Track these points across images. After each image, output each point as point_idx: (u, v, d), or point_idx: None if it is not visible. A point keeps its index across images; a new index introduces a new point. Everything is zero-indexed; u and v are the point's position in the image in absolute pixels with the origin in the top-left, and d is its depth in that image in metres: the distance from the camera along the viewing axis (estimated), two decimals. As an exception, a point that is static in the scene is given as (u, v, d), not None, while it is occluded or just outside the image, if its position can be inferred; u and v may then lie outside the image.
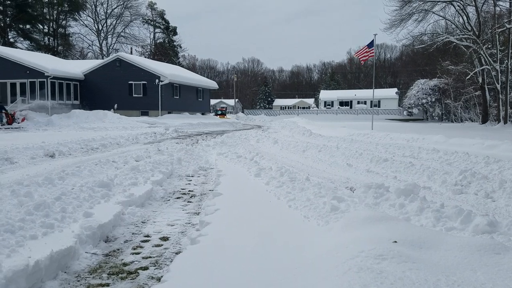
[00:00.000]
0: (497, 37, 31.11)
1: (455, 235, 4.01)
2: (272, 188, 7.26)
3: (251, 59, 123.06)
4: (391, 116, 56.04)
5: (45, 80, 34.06)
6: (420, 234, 3.69)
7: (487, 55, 30.56)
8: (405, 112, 52.55)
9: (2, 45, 46.55)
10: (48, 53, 51.57)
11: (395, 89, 73.98)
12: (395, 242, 3.45)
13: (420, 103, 45.99)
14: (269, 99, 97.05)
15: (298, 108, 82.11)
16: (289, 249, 4.07)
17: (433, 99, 44.75)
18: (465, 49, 32.81)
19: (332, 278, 3.07)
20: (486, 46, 31.38)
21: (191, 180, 9.52)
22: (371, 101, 49.71)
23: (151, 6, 73.42)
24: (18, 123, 28.53)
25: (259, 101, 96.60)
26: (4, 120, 28.44)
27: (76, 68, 39.26)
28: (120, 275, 4.05)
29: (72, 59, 58.53)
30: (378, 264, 3.08)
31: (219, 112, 59.35)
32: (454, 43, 32.61)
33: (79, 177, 8.24)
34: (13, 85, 34.80)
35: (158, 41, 75.97)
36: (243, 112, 77.41)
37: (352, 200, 5.87)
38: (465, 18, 32.10)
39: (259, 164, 10.32)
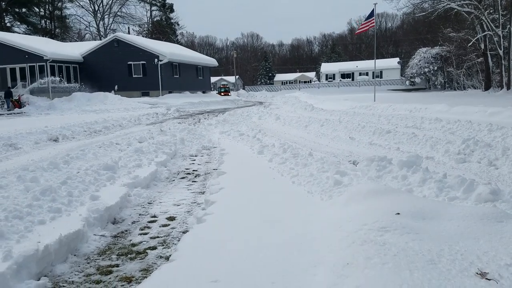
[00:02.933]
0: (499, 1, 30.51)
1: (457, 205, 4.04)
2: (275, 165, 7.29)
3: (250, 34, 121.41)
4: (394, 87, 55.63)
5: (44, 64, 33.88)
6: (422, 205, 3.72)
7: (489, 20, 30.05)
8: (407, 82, 52.12)
9: (-2, 30, 46.16)
10: (45, 37, 51.10)
11: (397, 59, 73.17)
12: (398, 214, 3.49)
13: (422, 72, 45.55)
14: (270, 74, 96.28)
15: (300, 83, 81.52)
16: (293, 224, 4.12)
17: (435, 68, 44.31)
18: (467, 15, 32.25)
19: (336, 251, 3.12)
20: (488, 11, 30.81)
21: (194, 160, 9.57)
22: (373, 72, 49.27)
23: (147, -17, 72.15)
24: (25, 106, 28.61)
25: (260, 77, 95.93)
26: (11, 106, 28.54)
27: (74, 50, 38.96)
28: (129, 255, 4.13)
29: (70, 41, 57.94)
30: (381, 236, 3.12)
31: (222, 90, 58.94)
32: (456, 10, 32.03)
33: (84, 160, 8.31)
34: (12, 70, 34.67)
35: (155, 19, 74.98)
36: (244, 88, 76.93)
37: (355, 173, 5.88)
38: (466, -17, 31.42)
39: (262, 141, 10.33)
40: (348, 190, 4.72)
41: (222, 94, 55.55)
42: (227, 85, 66.12)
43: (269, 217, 4.43)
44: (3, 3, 53.85)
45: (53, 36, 56.52)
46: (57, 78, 33.82)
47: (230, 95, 55.99)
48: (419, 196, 4.64)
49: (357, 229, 3.31)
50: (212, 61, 50.41)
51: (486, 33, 30.99)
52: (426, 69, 44.88)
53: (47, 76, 33.75)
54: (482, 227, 3.24)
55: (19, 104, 28.90)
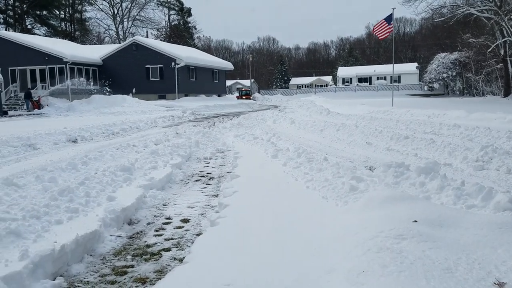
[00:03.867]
0: (521, 7, 30.00)
1: (475, 213, 3.97)
2: (290, 169, 7.27)
3: (267, 38, 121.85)
4: (412, 92, 55.04)
5: (64, 66, 34.45)
6: (440, 213, 3.67)
7: (509, 26, 29.55)
8: (425, 87, 51.48)
9: (20, 32, 47.14)
10: (65, 39, 51.99)
11: (415, 64, 72.42)
12: (415, 221, 3.44)
13: (440, 78, 44.99)
14: (286, 78, 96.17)
15: (316, 87, 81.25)
16: (308, 230, 4.10)
17: (454, 73, 43.71)
18: (486, 21, 31.78)
19: (352, 258, 3.09)
20: (508, 17, 30.28)
21: (209, 163, 9.60)
22: (391, 77, 48.84)
23: (165, -13, 72.95)
24: (43, 108, 29.17)
25: (275, 81, 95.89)
26: (30, 106, 29.13)
27: (93, 53, 39.54)
28: (144, 256, 4.16)
29: (89, 44, 58.89)
30: (397, 244, 3.08)
31: (244, 93, 55.14)
32: (475, 15, 31.59)
33: (101, 161, 8.42)
34: (32, 72, 35.32)
35: (173, 23, 75.71)
36: (259, 92, 76.89)
37: (371, 179, 5.83)
38: (486, -12, 30.99)
39: (276, 145, 10.32)
40: (364, 196, 4.67)
41: (244, 97, 52.19)
42: (248, 88, 62.72)
43: (283, 222, 4.41)
44: (25, 6, 55.01)
45: (72, 38, 57.47)
46: (77, 80, 34.36)
47: (251, 98, 53.51)
48: (437, 203, 4.56)
49: (373, 236, 3.27)
50: (227, 65, 50.63)
51: (506, 39, 30.48)
52: (445, 75, 44.31)
53: (67, 78, 34.31)
54: (500, 236, 3.18)
55: (38, 105, 29.46)
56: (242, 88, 64.09)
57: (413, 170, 5.79)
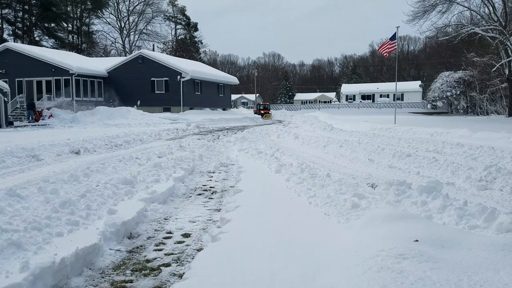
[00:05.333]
0: (525, 27, 30.16)
1: (478, 234, 3.94)
2: (293, 184, 7.27)
3: (272, 54, 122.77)
4: (415, 110, 55.08)
5: (69, 77, 34.74)
6: (442, 233, 3.64)
7: (514, 46, 29.70)
8: (429, 105, 51.52)
9: (28, 44, 47.70)
10: (72, 51, 52.58)
11: (419, 82, 72.64)
12: (416, 241, 3.42)
13: (444, 96, 45.04)
14: (290, 93, 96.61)
15: (319, 103, 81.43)
16: (309, 247, 4.07)
17: (458, 92, 43.76)
18: (491, 40, 31.93)
19: (352, 277, 3.06)
20: (513, 36, 30.48)
21: (212, 177, 9.60)
22: (394, 94, 48.92)
23: (172, 2, 73.88)
24: (44, 119, 29.36)
25: (280, 96, 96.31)
26: (32, 117, 29.35)
27: (99, 65, 39.90)
28: (143, 271, 4.13)
29: (96, 56, 59.47)
30: (398, 263, 3.06)
31: (261, 107, 47.50)
32: (480, 34, 31.77)
33: (104, 174, 8.42)
34: (39, 83, 35.62)
35: (179, 37, 76.49)
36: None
37: (373, 197, 5.82)
38: (491, 8, 31.23)
39: (280, 160, 10.33)
40: (366, 213, 4.66)
41: (262, 112, 45.89)
42: (267, 102, 55.50)
43: (285, 238, 4.38)
44: (33, 18, 55.76)
45: (79, 50, 58.10)
46: (82, 92, 34.57)
47: (271, 113, 46.56)
48: (439, 223, 4.54)
49: (374, 255, 3.25)
50: (233, 79, 50.93)
51: (510, 58, 30.58)
52: (449, 93, 44.36)
53: (72, 89, 34.57)
54: (503, 258, 3.15)
55: (39, 116, 29.70)
56: (259, 102, 56.61)
57: (415, 189, 5.76)
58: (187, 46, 70.64)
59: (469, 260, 3.15)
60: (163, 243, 5.00)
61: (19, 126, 26.20)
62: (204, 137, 19.31)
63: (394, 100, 57.67)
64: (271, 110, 49.69)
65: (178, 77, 38.09)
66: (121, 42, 68.30)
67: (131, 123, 27.46)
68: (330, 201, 5.72)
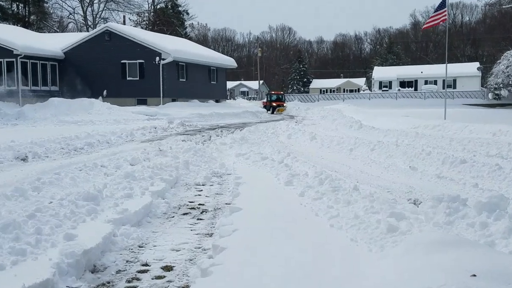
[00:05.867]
0: None
1: (556, 266, 3.93)
2: (308, 200, 7.30)
3: (281, 27, 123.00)
4: (471, 101, 55.11)
5: (13, 59, 34.78)
6: (507, 264, 3.64)
7: None
8: (490, 95, 51.55)
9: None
10: (17, 25, 52.78)
11: (477, 64, 72.64)
12: (474, 275, 3.42)
13: (510, 82, 45.04)
14: (305, 79, 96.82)
15: (344, 91, 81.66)
16: (331, 284, 4.07)
17: (529, 77, 43.81)
18: None
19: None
20: None
21: (201, 190, 9.62)
22: (444, 81, 48.88)
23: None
24: None
25: (291, 83, 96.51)
26: None
27: (54, 44, 40.00)
28: (110, 316, 4.14)
29: (49, 32, 59.75)
30: (449, 305, 3.06)
31: (274, 98, 48.41)
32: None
33: (59, 187, 8.45)
34: (-27, 68, 35.74)
35: (158, 6, 76.76)
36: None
37: (416, 217, 5.85)
38: None
39: (291, 169, 10.36)
40: (406, 239, 4.68)
41: (274, 104, 47.13)
42: (281, 92, 56.80)
43: (298, 274, 4.39)
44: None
45: (27, 24, 58.28)
46: (29, 87, 34.53)
47: (285, 107, 47.72)
48: (503, 251, 4.54)
49: (417, 294, 3.25)
50: (229, 61, 51.04)
51: None
52: (516, 79, 44.34)
53: (17, 75, 34.65)
54: None
55: None
56: (271, 91, 57.46)
57: (472, 206, 5.79)
58: (168, 18, 70.78)
59: (544, 301, 3.14)
60: (137, 279, 5.00)
61: None
62: (191, 137, 19.36)
63: (443, 88, 57.51)
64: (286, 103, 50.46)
65: (157, 58, 38.16)
66: (81, 13, 68.61)
67: (95, 120, 27.54)
68: (358, 223, 5.74)
